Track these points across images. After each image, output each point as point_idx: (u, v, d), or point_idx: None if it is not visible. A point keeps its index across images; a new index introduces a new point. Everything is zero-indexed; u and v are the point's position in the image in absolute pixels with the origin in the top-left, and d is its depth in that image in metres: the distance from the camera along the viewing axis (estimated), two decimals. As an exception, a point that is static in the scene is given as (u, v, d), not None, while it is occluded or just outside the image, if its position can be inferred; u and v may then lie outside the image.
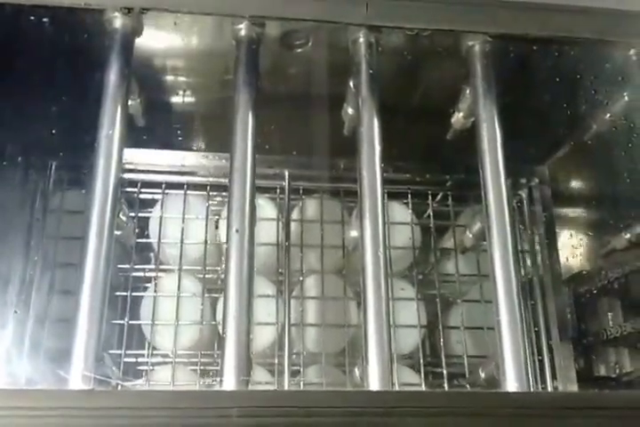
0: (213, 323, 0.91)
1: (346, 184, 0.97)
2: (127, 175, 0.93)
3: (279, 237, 0.93)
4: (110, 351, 0.84)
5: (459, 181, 0.99)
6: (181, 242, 0.92)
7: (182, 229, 0.93)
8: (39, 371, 0.78)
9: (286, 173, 0.97)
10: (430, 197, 1.00)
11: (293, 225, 0.95)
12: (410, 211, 0.98)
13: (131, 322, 0.88)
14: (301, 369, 0.89)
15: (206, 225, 0.93)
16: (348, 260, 0.95)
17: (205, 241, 0.93)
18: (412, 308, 0.93)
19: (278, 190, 0.97)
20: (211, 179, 0.97)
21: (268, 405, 0.55)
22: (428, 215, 1.00)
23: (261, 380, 0.87)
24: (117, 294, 0.89)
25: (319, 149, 0.92)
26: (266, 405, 0.55)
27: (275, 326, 0.88)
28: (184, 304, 0.89)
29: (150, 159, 0.96)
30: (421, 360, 0.91)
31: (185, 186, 0.96)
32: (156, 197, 0.96)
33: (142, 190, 0.96)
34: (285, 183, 0.97)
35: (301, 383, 0.88)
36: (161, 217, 0.93)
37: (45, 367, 0.77)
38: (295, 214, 0.97)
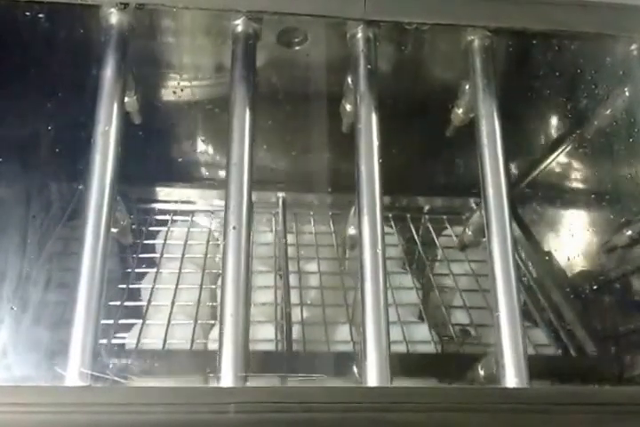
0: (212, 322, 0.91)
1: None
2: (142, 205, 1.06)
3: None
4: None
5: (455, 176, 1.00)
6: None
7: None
8: (35, 367, 0.77)
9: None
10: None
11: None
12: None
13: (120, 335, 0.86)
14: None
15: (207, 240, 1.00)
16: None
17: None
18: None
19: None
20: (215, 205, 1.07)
21: (266, 400, 0.55)
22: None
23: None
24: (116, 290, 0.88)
25: (315, 146, 0.92)
26: (264, 400, 0.55)
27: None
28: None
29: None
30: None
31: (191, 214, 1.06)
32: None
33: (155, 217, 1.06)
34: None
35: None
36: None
37: (42, 364, 0.77)
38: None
